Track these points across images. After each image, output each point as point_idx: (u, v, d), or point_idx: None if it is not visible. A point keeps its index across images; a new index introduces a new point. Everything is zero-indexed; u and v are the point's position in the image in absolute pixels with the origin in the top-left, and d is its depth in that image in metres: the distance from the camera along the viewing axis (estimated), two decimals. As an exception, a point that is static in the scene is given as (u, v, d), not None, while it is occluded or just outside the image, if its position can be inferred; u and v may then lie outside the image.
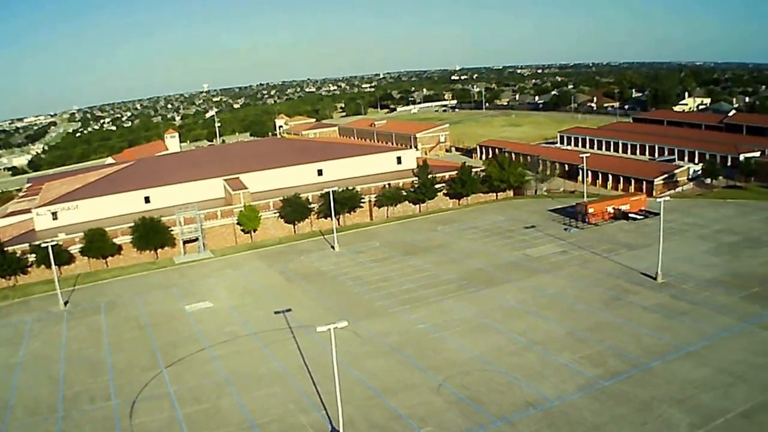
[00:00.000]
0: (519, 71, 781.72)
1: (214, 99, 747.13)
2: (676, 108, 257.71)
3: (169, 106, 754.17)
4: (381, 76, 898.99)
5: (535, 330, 66.66)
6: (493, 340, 65.05)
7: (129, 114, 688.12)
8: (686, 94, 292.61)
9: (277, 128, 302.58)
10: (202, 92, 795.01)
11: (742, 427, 47.73)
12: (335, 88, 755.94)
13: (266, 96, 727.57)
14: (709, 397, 51.89)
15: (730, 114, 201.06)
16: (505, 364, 59.58)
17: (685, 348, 60.59)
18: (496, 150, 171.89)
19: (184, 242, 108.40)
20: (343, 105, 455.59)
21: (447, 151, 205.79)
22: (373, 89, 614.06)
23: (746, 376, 54.93)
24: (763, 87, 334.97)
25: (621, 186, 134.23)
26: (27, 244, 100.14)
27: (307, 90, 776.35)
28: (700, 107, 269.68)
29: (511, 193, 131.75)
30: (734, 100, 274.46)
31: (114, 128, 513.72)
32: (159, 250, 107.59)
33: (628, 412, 50.46)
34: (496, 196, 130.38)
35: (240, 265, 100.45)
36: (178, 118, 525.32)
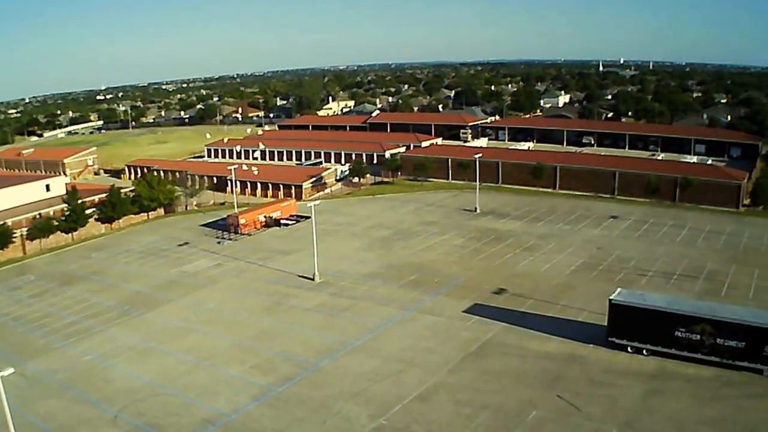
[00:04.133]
0: (164, 87, 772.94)
1: None
2: (321, 113, 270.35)
3: None
4: (27, 100, 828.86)
5: (201, 347, 64.27)
6: (161, 363, 61.58)
7: None
8: (330, 98, 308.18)
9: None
10: None
11: (420, 411, 49.75)
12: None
13: None
14: (384, 386, 53.56)
15: (374, 114, 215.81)
16: (177, 386, 56.62)
17: (352, 343, 62.10)
18: (145, 169, 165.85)
19: None
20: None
21: (96, 174, 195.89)
22: (19, 114, 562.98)
23: (415, 361, 57.76)
24: (405, 86, 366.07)
25: (270, 193, 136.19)
26: None
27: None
28: (345, 110, 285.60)
29: (162, 211, 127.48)
30: (378, 100, 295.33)
31: None
32: None
33: (306, 413, 50.34)
34: (148, 215, 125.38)
35: None
36: None
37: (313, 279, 79.87)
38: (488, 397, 52.10)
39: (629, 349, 60.25)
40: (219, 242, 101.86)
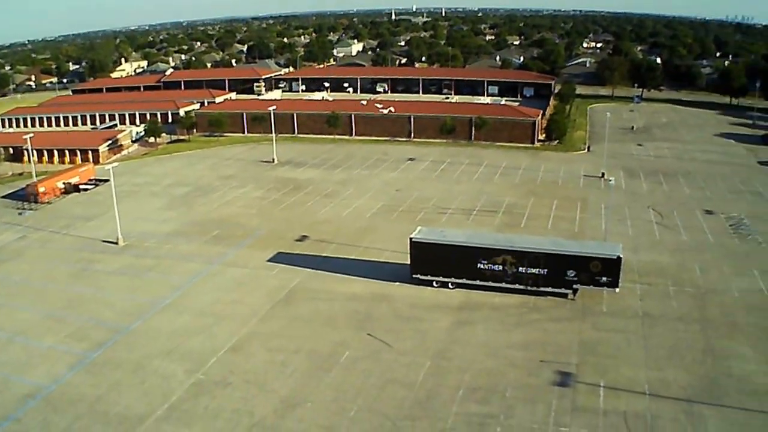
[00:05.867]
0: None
1: None
2: (114, 75, 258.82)
3: None
4: None
5: (12, 321, 60.44)
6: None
7: None
8: (123, 60, 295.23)
9: None
10: None
11: (235, 361, 50.59)
12: None
13: None
14: (197, 341, 53.54)
15: (168, 73, 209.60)
16: (-13, 362, 53.47)
17: (161, 302, 61.27)
18: None
19: None
20: None
21: None
22: None
23: (225, 313, 58.27)
24: (198, 43, 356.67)
25: (68, 160, 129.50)
26: None
27: None
28: (138, 71, 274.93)
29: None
30: (171, 59, 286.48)
31: None
32: None
33: (123, 376, 49.48)
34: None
35: None
36: None
37: (116, 243, 77.38)
38: (300, 342, 53.26)
39: (434, 284, 62.88)
40: (20, 213, 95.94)
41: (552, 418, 44.51)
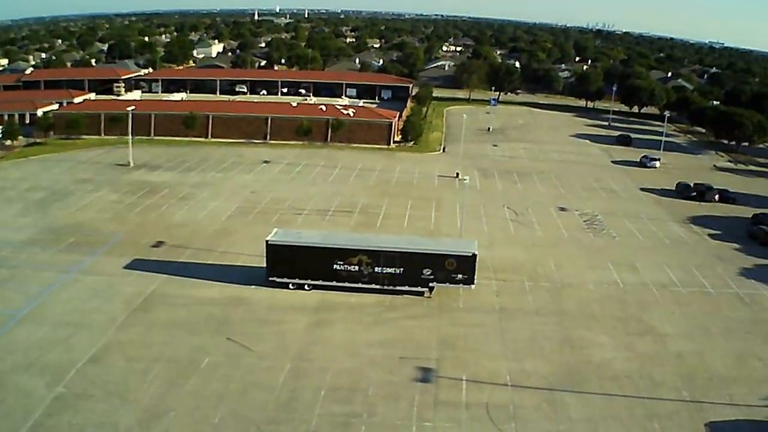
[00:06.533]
0: None
1: None
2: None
3: None
4: None
5: None
6: None
7: None
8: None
9: None
10: None
11: (95, 373, 48.74)
12: None
13: None
14: (56, 353, 51.49)
15: (28, 72, 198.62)
16: None
17: (18, 314, 58.24)
18: None
19: None
20: None
21: None
22: None
23: (83, 323, 56.34)
24: (59, 41, 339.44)
25: None
26: None
27: None
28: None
29: None
30: (31, 57, 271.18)
31: None
32: None
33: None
34: None
35: None
36: None
37: (-32, 253, 72.58)
38: (160, 350, 52.43)
39: (291, 286, 62.77)
40: None
41: (415, 414, 45.47)
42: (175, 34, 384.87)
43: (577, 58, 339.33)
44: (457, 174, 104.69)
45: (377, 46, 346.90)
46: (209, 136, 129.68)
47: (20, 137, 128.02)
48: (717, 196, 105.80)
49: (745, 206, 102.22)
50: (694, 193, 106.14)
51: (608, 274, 70.96)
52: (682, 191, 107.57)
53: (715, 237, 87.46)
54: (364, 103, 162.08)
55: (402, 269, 61.28)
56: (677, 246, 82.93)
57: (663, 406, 47.65)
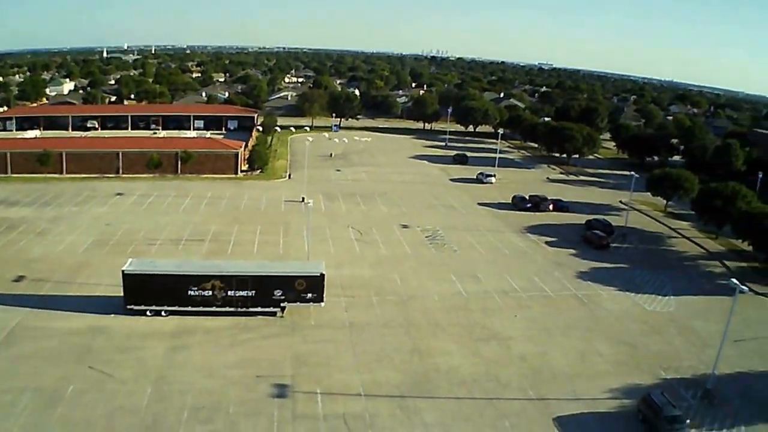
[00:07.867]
0: None
1: None
2: None
3: None
4: None
5: None
6: None
7: None
8: None
9: None
10: None
11: None
12: None
13: None
14: None
15: None
16: None
17: None
18: None
19: None
20: None
21: None
22: None
23: None
24: None
25: None
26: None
27: None
28: None
29: None
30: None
31: None
32: None
33: None
34: None
35: None
36: None
37: None
38: (25, 381, 50.59)
39: (148, 313, 62.04)
40: None
41: (276, 428, 45.66)
42: (28, 73, 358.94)
43: (414, 84, 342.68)
44: (303, 198, 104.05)
45: (222, 79, 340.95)
46: (64, 172, 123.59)
47: None
48: (551, 206, 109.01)
49: (578, 213, 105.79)
50: (530, 205, 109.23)
51: (451, 285, 71.91)
52: (518, 203, 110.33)
53: (551, 244, 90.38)
54: (211, 134, 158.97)
55: (254, 291, 61.71)
56: (516, 255, 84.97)
57: (511, 405, 49.53)
